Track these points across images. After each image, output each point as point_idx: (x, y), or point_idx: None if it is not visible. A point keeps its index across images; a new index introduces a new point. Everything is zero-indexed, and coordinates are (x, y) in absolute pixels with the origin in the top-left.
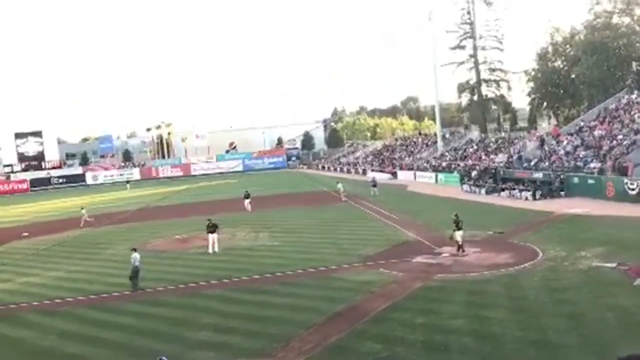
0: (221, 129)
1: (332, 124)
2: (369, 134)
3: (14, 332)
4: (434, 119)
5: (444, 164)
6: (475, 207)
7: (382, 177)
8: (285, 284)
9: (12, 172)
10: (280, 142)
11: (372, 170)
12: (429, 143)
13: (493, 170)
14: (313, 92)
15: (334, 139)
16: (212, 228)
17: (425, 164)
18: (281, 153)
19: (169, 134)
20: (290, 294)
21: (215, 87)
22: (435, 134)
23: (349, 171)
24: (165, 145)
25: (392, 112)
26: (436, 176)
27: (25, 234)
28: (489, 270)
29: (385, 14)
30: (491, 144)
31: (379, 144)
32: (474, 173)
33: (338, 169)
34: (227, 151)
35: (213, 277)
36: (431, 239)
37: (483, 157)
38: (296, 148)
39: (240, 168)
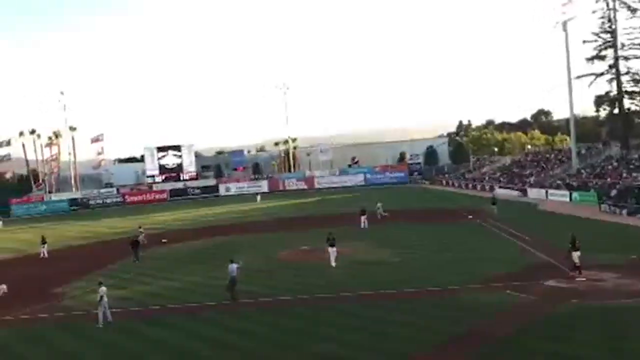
0: (344, 143)
1: (457, 138)
2: (496, 149)
3: (156, 333)
4: (568, 134)
5: (578, 182)
6: (616, 229)
7: (510, 195)
8: (405, 301)
9: (154, 182)
10: (402, 156)
11: (500, 187)
12: (563, 159)
13: (636, 190)
14: (437, 105)
15: (458, 154)
16: (332, 241)
17: (558, 182)
18: (403, 168)
19: (294, 148)
20: (410, 311)
21: (339, 102)
22: (569, 150)
23: (474, 187)
24: (291, 159)
25: (522, 126)
26: (570, 195)
27: (164, 240)
28: (630, 298)
29: (516, 23)
30: (634, 161)
31: (507, 160)
32: (613, 192)
33: (463, 185)
34: (350, 165)
35: (334, 290)
36: (564, 261)
37: (624, 174)
38: (419, 163)
39: (362, 182)
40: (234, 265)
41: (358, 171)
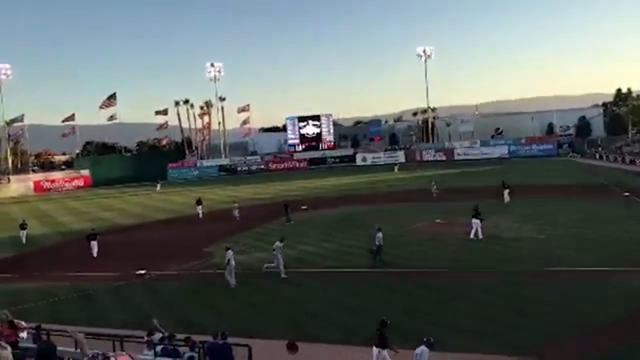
0: (487, 113)
1: (615, 108)
2: None
3: (289, 292)
4: None
5: None
6: None
7: None
8: (551, 280)
9: (295, 151)
10: (551, 128)
11: None
12: None
13: None
14: (592, 72)
15: (615, 126)
16: (477, 214)
17: None
18: (551, 140)
19: (434, 118)
20: (557, 291)
21: (483, 69)
22: None
23: (632, 162)
24: (429, 130)
25: None
26: None
27: (304, 207)
28: None
29: None
30: None
31: None
32: None
33: (619, 159)
34: (493, 137)
35: (473, 264)
36: None
37: None
38: (569, 135)
39: (506, 155)
40: (381, 234)
41: (501, 143)
